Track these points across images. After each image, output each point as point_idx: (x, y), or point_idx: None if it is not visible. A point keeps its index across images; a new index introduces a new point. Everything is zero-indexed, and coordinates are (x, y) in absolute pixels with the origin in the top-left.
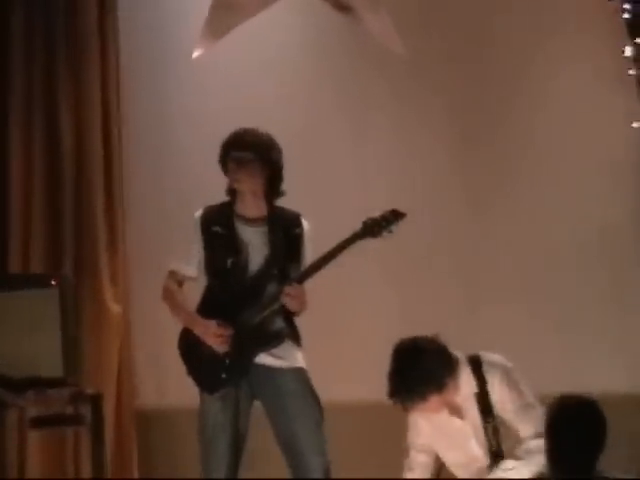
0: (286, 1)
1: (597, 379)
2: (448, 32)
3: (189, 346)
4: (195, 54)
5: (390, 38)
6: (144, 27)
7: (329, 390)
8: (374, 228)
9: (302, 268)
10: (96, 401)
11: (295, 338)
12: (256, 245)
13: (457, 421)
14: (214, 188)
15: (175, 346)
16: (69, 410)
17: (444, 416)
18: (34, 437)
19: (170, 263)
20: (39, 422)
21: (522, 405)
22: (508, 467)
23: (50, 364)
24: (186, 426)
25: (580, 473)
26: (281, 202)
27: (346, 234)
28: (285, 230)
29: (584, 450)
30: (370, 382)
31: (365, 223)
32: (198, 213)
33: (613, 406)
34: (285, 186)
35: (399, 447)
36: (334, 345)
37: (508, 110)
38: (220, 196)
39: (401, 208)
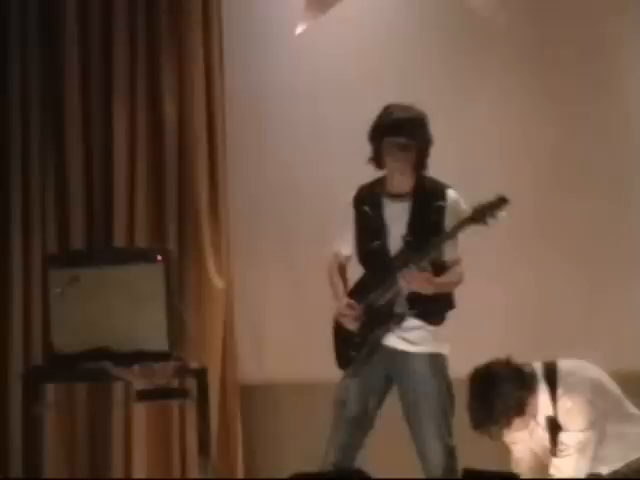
0: None
1: None
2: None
3: (338, 323)
4: (298, 30)
5: (491, 7)
6: (247, 2)
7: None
8: (479, 215)
9: (441, 242)
10: (201, 375)
11: (433, 320)
12: (398, 222)
13: (539, 430)
14: (315, 158)
15: (277, 319)
16: (174, 384)
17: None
18: (140, 410)
19: (334, 244)
20: (145, 395)
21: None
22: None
23: (155, 338)
24: (288, 399)
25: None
26: None
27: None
28: (428, 203)
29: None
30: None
31: (475, 209)
32: (352, 193)
33: None
34: None
35: None
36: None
37: (615, 82)
38: (320, 166)
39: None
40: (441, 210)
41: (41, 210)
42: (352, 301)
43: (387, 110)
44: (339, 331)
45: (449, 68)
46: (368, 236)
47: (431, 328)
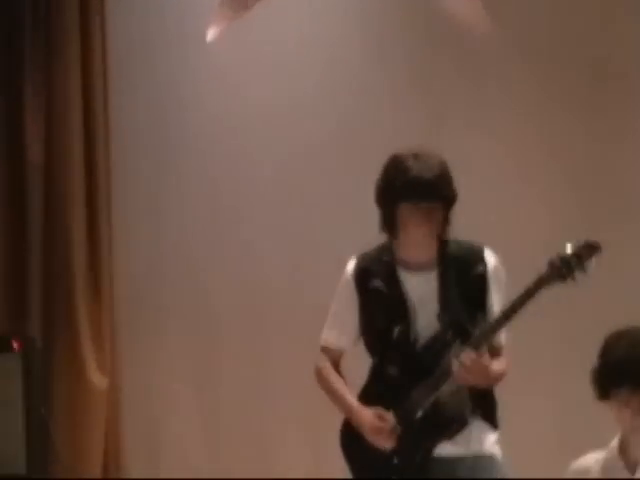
0: None
1: None
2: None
3: (351, 440)
4: (209, 37)
5: (474, 13)
6: (140, 7)
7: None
8: (563, 270)
9: (490, 319)
10: None
11: (486, 416)
12: (425, 300)
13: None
14: (229, 205)
15: (179, 429)
16: None
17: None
18: None
19: (321, 336)
20: None
21: None
22: None
23: (9, 458)
24: None
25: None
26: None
27: None
28: (463, 272)
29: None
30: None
31: (552, 264)
32: (350, 266)
33: None
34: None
35: None
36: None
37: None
38: (229, 211)
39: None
40: (482, 278)
41: None
42: (382, 411)
43: (400, 163)
44: (359, 451)
45: (404, 88)
46: (385, 321)
47: (491, 431)
